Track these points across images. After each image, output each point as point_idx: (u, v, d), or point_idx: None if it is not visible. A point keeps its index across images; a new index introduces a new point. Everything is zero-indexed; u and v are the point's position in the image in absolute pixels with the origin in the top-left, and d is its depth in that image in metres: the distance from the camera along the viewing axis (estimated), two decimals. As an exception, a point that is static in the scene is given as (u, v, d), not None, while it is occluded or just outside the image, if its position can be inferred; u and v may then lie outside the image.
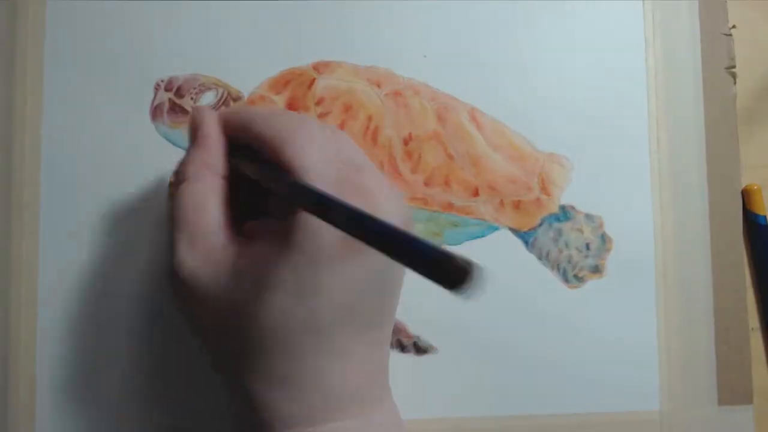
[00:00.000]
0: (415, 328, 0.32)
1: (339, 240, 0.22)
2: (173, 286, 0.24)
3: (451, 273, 0.14)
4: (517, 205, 0.33)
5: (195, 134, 0.26)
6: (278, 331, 0.23)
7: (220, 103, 0.32)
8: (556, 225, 0.33)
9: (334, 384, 0.23)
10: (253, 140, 0.25)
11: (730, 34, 0.34)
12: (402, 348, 0.32)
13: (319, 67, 0.33)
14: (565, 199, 0.33)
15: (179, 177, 0.25)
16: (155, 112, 0.32)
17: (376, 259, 0.23)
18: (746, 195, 0.34)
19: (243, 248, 0.24)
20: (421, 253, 0.15)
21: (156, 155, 0.32)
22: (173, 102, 0.32)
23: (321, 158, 0.24)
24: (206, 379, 0.31)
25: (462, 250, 0.32)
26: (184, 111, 0.32)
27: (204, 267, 0.23)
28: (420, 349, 0.32)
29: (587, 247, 0.33)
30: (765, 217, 0.34)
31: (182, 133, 0.32)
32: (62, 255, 0.31)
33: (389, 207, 0.24)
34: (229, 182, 0.26)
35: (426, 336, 0.32)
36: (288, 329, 0.23)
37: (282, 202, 0.24)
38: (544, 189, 0.33)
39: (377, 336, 0.25)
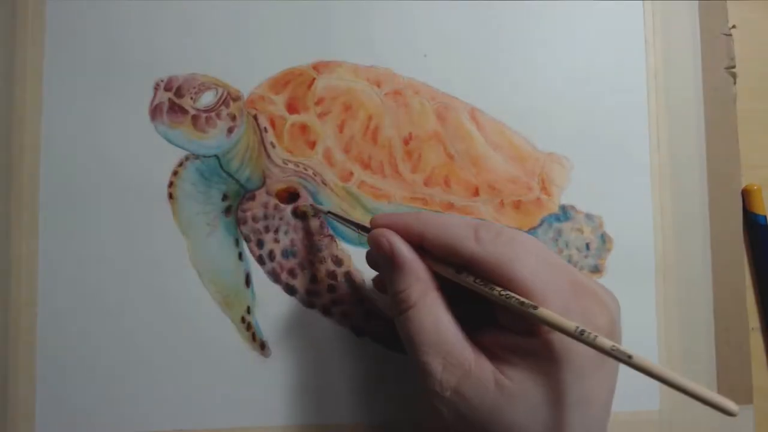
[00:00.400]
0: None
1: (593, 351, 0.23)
2: (438, 409, 0.24)
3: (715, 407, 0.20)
4: (517, 205, 0.33)
5: (393, 261, 0.26)
6: None
7: (219, 103, 0.32)
8: (556, 225, 0.33)
9: None
10: (450, 256, 0.25)
11: (730, 34, 0.34)
12: (402, 348, 0.32)
13: (319, 67, 0.33)
14: (565, 199, 0.33)
15: (403, 306, 0.25)
16: (155, 111, 0.32)
17: (614, 364, 0.24)
18: (746, 195, 0.34)
19: (497, 363, 0.24)
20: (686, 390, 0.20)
21: (155, 155, 0.32)
22: (173, 102, 0.32)
23: (550, 273, 0.24)
24: (206, 378, 0.31)
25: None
26: (183, 111, 0.32)
27: (466, 382, 0.24)
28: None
29: (587, 246, 0.33)
30: (765, 217, 0.34)
31: (182, 133, 0.32)
32: (62, 255, 0.31)
33: (611, 302, 0.25)
34: (445, 295, 0.26)
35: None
36: None
37: (516, 317, 0.24)
38: (544, 189, 0.33)
39: None
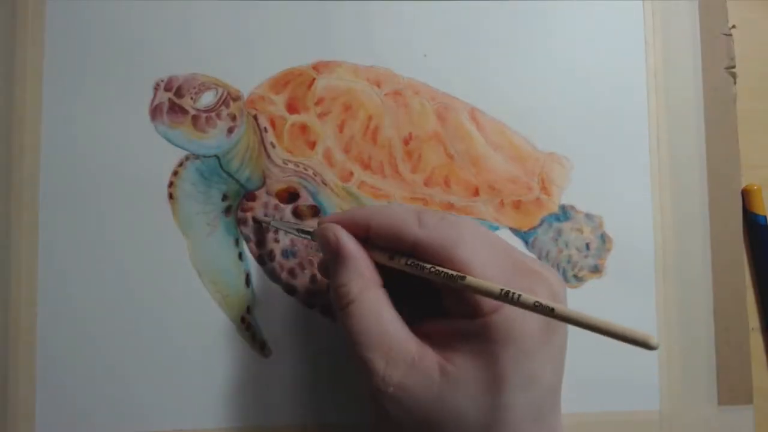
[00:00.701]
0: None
1: (539, 326, 0.24)
2: (378, 406, 0.24)
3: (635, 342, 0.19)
4: (517, 205, 0.33)
5: (337, 254, 0.26)
6: (506, 428, 0.23)
7: (219, 103, 0.32)
8: (556, 225, 0.33)
9: None
10: (395, 243, 0.25)
11: (730, 34, 0.34)
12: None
13: (319, 67, 0.33)
14: (565, 199, 0.33)
15: (343, 301, 0.25)
16: (155, 111, 0.32)
17: (562, 335, 0.25)
18: (746, 195, 0.34)
19: (442, 351, 0.24)
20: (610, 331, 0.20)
21: (155, 155, 0.32)
22: (173, 102, 0.32)
23: (491, 254, 0.24)
24: (206, 378, 0.31)
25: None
26: (183, 111, 0.32)
27: (409, 377, 0.24)
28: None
29: (587, 246, 0.33)
30: (765, 217, 0.34)
31: (181, 133, 0.32)
32: (62, 255, 0.31)
33: (555, 282, 0.25)
34: (386, 291, 0.26)
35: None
36: (514, 425, 0.23)
37: (460, 300, 0.24)
38: (544, 189, 0.33)
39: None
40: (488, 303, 0.23)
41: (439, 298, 0.26)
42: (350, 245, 0.26)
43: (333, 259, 0.26)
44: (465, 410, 0.23)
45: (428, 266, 0.24)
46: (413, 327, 0.25)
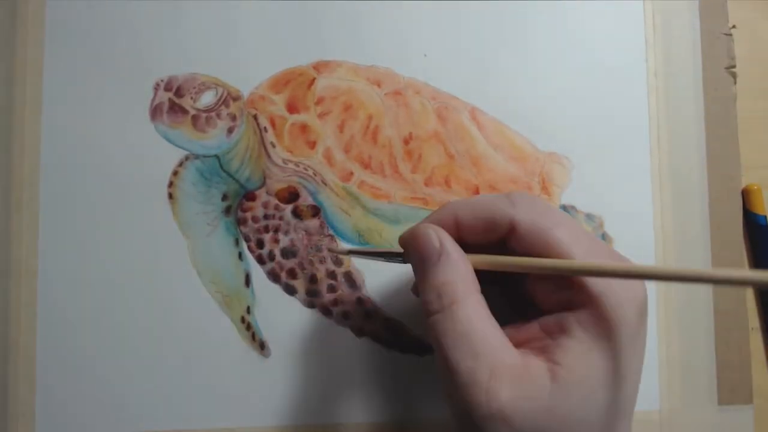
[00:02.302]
0: (416, 328, 0.32)
1: (636, 313, 0.22)
2: (483, 424, 0.21)
3: None
4: (517, 205, 0.33)
5: (441, 255, 0.23)
6: (627, 422, 0.22)
7: (219, 103, 0.32)
8: (556, 225, 0.33)
9: None
10: (490, 230, 0.24)
11: (730, 34, 0.34)
12: (402, 348, 0.32)
13: (319, 67, 0.33)
14: (566, 199, 0.33)
15: (446, 301, 0.23)
16: (155, 111, 0.32)
17: (647, 325, 0.23)
18: (746, 195, 0.34)
19: (544, 354, 0.22)
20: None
21: (155, 155, 0.32)
22: (173, 102, 0.32)
23: (588, 242, 0.23)
24: (206, 378, 0.31)
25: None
26: (183, 111, 0.32)
27: (517, 390, 0.21)
28: (421, 349, 0.32)
29: (587, 247, 0.33)
30: (765, 217, 0.34)
31: (181, 133, 0.32)
32: (62, 255, 0.31)
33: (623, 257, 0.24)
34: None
35: (426, 336, 0.32)
36: (629, 419, 0.22)
37: (559, 290, 0.23)
38: (544, 189, 0.33)
39: None
40: (593, 288, 0.22)
41: (517, 297, 0.24)
42: (454, 246, 0.24)
43: (434, 261, 0.23)
44: (584, 415, 0.21)
45: (535, 261, 0.22)
46: (505, 331, 0.23)
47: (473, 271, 0.24)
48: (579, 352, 0.21)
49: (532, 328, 0.23)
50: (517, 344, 0.23)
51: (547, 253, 0.22)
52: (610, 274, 0.21)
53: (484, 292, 0.24)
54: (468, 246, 0.25)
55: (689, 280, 0.20)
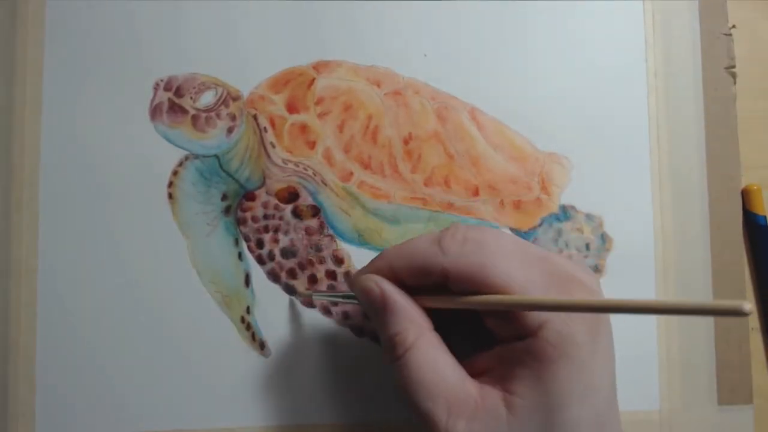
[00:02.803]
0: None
1: (585, 330, 0.23)
2: None
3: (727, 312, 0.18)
4: (517, 205, 0.33)
5: (385, 305, 0.25)
6: None
7: (219, 103, 0.32)
8: (556, 225, 0.33)
9: None
10: (425, 278, 0.24)
11: (730, 34, 0.34)
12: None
13: (319, 67, 0.33)
14: (565, 199, 0.33)
15: (399, 351, 0.24)
16: (154, 111, 0.32)
17: (608, 337, 0.24)
18: (746, 195, 0.34)
19: (500, 383, 0.23)
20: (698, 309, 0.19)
21: (155, 155, 0.32)
22: (172, 101, 0.32)
23: (525, 270, 0.23)
24: (206, 378, 0.31)
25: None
26: (183, 110, 0.32)
27: (476, 420, 0.22)
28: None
29: (587, 247, 0.33)
30: (765, 217, 0.34)
31: (181, 133, 0.32)
32: (62, 255, 0.31)
33: (592, 284, 0.24)
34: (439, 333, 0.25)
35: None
36: None
37: (506, 322, 0.23)
38: (544, 189, 0.33)
39: None
40: (535, 319, 0.23)
41: (478, 325, 0.25)
42: (396, 293, 0.25)
43: (380, 311, 0.25)
44: None
45: (474, 298, 0.23)
46: (464, 363, 0.24)
47: (422, 312, 0.25)
48: (531, 379, 0.22)
49: (491, 357, 0.24)
50: (478, 374, 0.24)
51: (485, 291, 0.23)
52: (539, 307, 0.22)
53: (446, 324, 0.25)
54: (411, 287, 0.25)
55: (622, 311, 0.20)
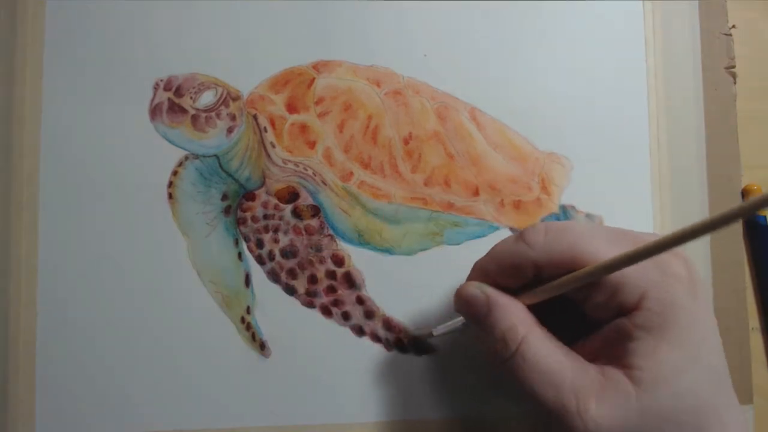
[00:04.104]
0: (416, 329, 0.32)
1: (685, 296, 0.23)
2: None
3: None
4: (517, 205, 0.33)
5: (491, 307, 0.25)
6: (731, 394, 0.23)
7: (219, 103, 0.32)
8: (556, 225, 0.33)
9: None
10: (521, 276, 0.25)
11: (730, 34, 0.34)
12: (402, 348, 0.32)
13: (319, 67, 0.33)
14: (565, 199, 0.33)
15: (512, 345, 0.24)
16: (154, 111, 0.32)
17: (706, 291, 0.25)
18: (746, 195, 0.34)
19: (618, 362, 0.23)
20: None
21: (155, 155, 0.32)
22: (172, 101, 0.32)
23: (609, 243, 0.24)
24: (206, 378, 0.31)
25: (462, 249, 0.32)
26: (183, 110, 0.32)
27: (605, 402, 0.22)
28: (420, 349, 0.32)
29: (587, 246, 0.33)
30: (765, 217, 0.34)
31: (181, 133, 0.32)
32: (62, 254, 0.31)
33: (682, 252, 0.24)
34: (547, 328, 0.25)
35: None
36: (706, 400, 0.23)
37: (608, 300, 0.24)
38: (544, 189, 0.33)
39: None
40: (634, 292, 0.23)
41: (577, 316, 0.25)
42: (498, 294, 0.25)
43: (486, 314, 0.25)
44: (679, 404, 0.22)
45: (571, 275, 0.23)
46: (574, 349, 0.24)
47: (526, 309, 0.25)
48: (646, 350, 0.22)
49: (599, 340, 0.24)
50: (590, 358, 0.24)
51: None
52: (631, 261, 0.22)
53: (544, 321, 0.25)
54: (510, 290, 0.26)
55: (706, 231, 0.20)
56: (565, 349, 0.24)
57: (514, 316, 0.25)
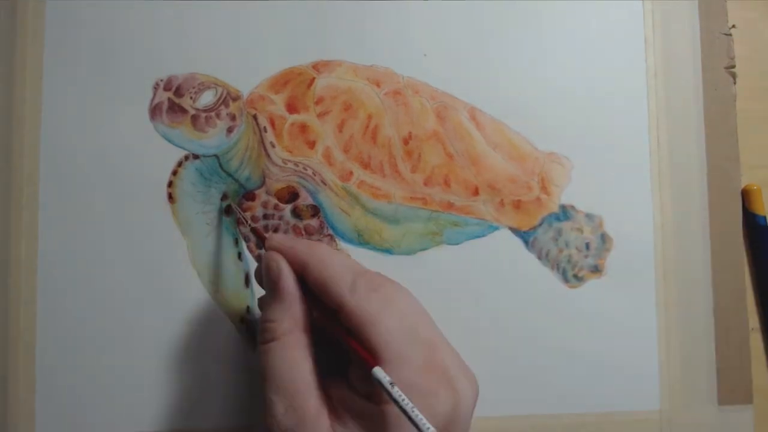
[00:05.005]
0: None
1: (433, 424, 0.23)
2: None
3: None
4: (517, 205, 0.33)
5: (276, 288, 0.26)
6: None
7: (219, 103, 0.32)
8: (556, 224, 0.33)
9: None
10: (323, 295, 0.25)
11: (730, 34, 0.34)
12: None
13: (319, 67, 0.33)
14: (565, 199, 0.33)
15: (267, 336, 0.26)
16: (154, 111, 0.32)
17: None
18: (746, 195, 0.34)
19: (336, 418, 0.24)
20: None
21: (155, 154, 0.32)
22: (172, 101, 0.32)
23: (408, 344, 0.24)
24: (206, 378, 0.31)
25: (462, 249, 0.32)
26: (183, 110, 0.32)
27: (300, 430, 0.24)
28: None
29: (587, 246, 0.33)
30: (765, 217, 0.34)
31: (181, 133, 0.32)
32: (62, 255, 0.31)
33: (465, 389, 0.25)
34: (311, 335, 0.26)
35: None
36: None
37: (364, 379, 0.24)
38: (544, 188, 0.33)
39: None
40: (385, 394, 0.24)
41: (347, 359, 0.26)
42: (289, 283, 0.26)
43: (269, 291, 0.26)
44: None
45: (350, 339, 0.24)
46: (325, 379, 0.25)
47: (304, 308, 0.26)
48: None
49: (342, 392, 0.25)
50: (328, 396, 0.25)
51: (364, 344, 0.24)
52: (386, 392, 0.23)
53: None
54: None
55: None
56: (308, 368, 0.25)
57: (286, 313, 0.26)
